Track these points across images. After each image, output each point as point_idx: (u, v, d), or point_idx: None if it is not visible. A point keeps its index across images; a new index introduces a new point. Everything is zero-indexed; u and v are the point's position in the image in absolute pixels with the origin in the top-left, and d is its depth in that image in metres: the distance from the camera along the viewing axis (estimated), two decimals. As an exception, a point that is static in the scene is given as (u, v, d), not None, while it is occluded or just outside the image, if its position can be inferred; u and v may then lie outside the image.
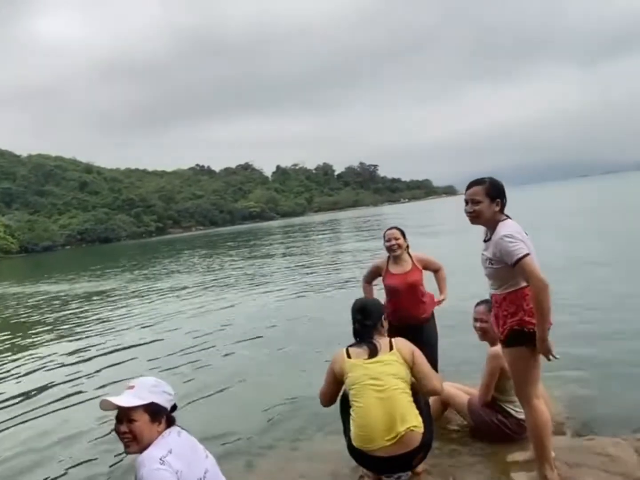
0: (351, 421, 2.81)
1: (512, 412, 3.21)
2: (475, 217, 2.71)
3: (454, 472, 2.91)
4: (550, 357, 2.59)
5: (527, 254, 2.54)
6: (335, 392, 2.98)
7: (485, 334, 3.31)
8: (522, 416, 3.15)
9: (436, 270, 4.31)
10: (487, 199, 2.66)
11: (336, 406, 3.03)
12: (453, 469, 2.94)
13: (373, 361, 2.83)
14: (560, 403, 3.69)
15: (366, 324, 2.98)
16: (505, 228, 2.64)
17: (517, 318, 2.63)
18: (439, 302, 4.20)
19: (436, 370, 4.14)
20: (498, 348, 3.02)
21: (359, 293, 4.28)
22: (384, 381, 2.77)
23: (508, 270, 2.62)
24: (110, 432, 3.42)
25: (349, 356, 2.89)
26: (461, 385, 3.62)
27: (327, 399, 3.02)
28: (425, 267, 4.22)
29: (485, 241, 2.77)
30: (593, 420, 3.44)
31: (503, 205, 2.72)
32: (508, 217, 2.73)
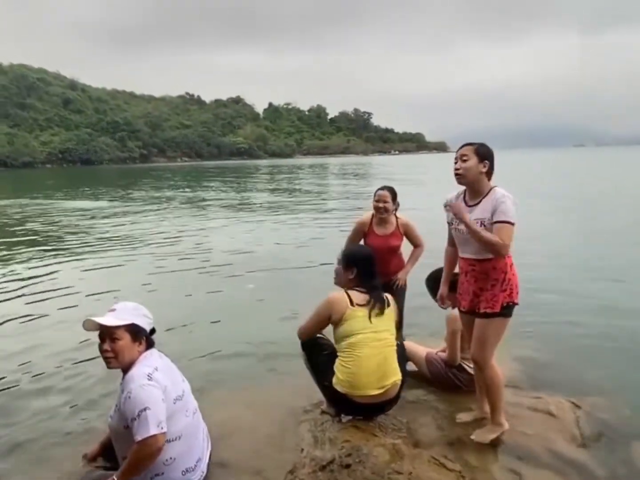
0: (340, 366, 2.91)
1: (467, 368, 3.52)
2: (462, 176, 2.75)
3: (410, 414, 3.21)
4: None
5: (514, 224, 2.67)
6: (320, 329, 3.06)
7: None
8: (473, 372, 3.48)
9: (415, 245, 4.30)
10: (475, 158, 2.71)
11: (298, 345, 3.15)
12: (409, 411, 3.24)
13: (377, 314, 2.94)
14: (516, 362, 3.94)
15: (374, 271, 3.07)
16: (504, 192, 2.72)
17: (507, 292, 2.74)
18: (396, 276, 4.14)
19: (401, 321, 4.39)
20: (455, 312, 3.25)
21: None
22: (383, 337, 2.93)
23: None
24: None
25: (351, 302, 2.93)
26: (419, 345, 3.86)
27: (310, 334, 3.07)
28: (407, 235, 4.22)
29: (469, 206, 2.79)
30: (543, 381, 3.70)
31: (491, 170, 2.76)
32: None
